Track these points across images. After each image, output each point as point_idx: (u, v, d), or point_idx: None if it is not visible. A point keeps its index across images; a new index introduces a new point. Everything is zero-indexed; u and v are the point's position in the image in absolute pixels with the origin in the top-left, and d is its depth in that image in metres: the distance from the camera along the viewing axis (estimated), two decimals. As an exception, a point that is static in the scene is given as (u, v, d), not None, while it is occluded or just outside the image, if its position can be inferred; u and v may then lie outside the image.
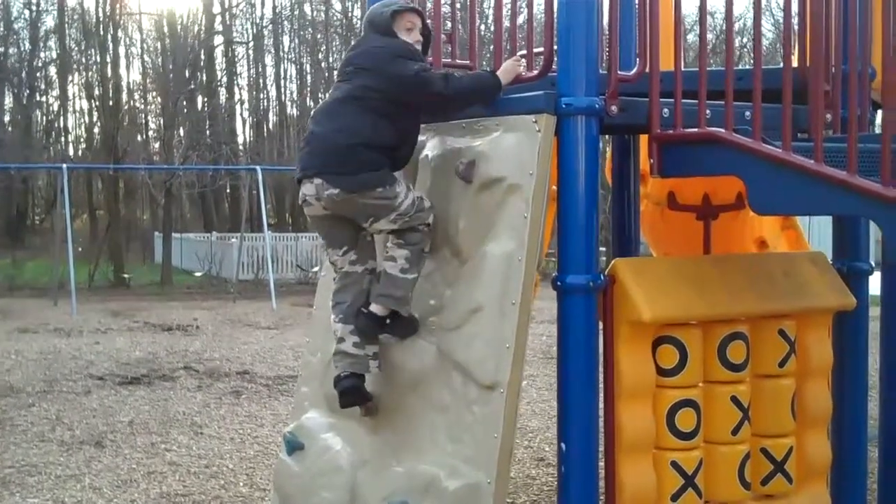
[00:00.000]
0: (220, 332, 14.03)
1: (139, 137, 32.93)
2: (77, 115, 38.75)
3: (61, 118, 37.72)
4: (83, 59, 33.76)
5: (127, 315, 16.42)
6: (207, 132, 30.40)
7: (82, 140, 38.07)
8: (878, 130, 4.06)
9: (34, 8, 35.08)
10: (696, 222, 5.36)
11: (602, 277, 3.76)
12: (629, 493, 3.81)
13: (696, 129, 3.72)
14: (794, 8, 3.93)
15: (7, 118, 35.73)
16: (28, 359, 11.38)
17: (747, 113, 3.72)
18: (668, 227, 5.60)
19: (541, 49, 3.97)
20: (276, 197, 36.62)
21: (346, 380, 4.01)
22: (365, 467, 4.16)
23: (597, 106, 3.68)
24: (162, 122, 30.49)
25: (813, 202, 3.44)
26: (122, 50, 32.85)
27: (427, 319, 4.05)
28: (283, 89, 37.87)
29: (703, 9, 3.79)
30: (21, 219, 37.60)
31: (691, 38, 24.17)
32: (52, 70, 35.86)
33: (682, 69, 3.80)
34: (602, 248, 8.67)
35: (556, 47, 3.81)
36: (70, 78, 35.52)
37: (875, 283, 4.52)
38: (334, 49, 35.19)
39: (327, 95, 4.10)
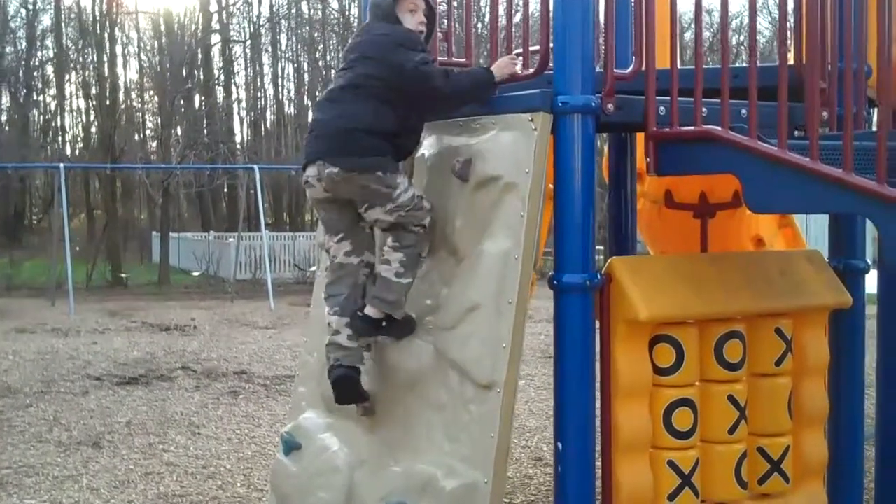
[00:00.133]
0: (217, 332, 14.03)
1: (136, 136, 32.97)
2: (74, 114, 38.79)
3: (58, 117, 37.74)
4: (80, 58, 33.81)
5: (124, 315, 16.42)
6: (205, 131, 30.39)
7: (79, 139, 38.07)
8: (874, 128, 4.06)
9: (31, 7, 35.08)
10: (693, 220, 5.35)
11: (598, 276, 3.75)
12: (626, 492, 3.80)
13: (692, 128, 3.72)
14: (790, 5, 3.93)
15: (4, 117, 35.78)
16: (25, 359, 11.37)
17: (743, 111, 3.71)
18: (665, 225, 5.60)
19: (537, 47, 3.96)
20: (273, 196, 36.63)
21: (338, 369, 3.98)
22: (362, 467, 4.16)
23: (593, 104, 3.68)
24: (159, 121, 30.51)
25: (809, 200, 3.43)
26: (119, 49, 32.89)
27: (424, 319, 4.04)
28: (280, 88, 37.95)
29: (698, 6, 3.78)
30: (18, 218, 37.58)
31: (688, 36, 24.15)
32: (49, 69, 35.88)
33: (679, 67, 3.80)
34: (599, 247, 8.67)
35: (552, 45, 3.81)
36: (67, 77, 35.53)
37: (872, 282, 4.51)
38: (332, 47, 35.19)
39: (331, 82, 4.09)
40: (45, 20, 35.45)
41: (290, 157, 31.73)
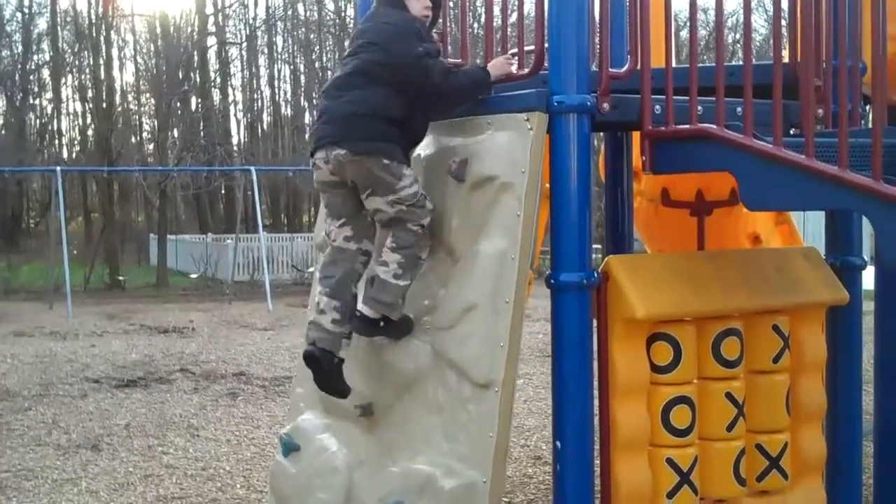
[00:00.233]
0: (216, 334, 14.03)
1: (133, 139, 32.93)
2: (71, 117, 38.79)
3: (55, 121, 37.76)
4: (76, 62, 33.77)
5: (123, 317, 16.42)
6: (201, 133, 30.38)
7: (76, 142, 38.10)
8: (869, 125, 4.06)
9: (27, 10, 35.06)
10: (689, 218, 5.36)
11: (595, 275, 3.76)
12: (625, 490, 3.80)
13: (687, 126, 3.72)
14: (785, 3, 3.94)
15: (0, 121, 35.70)
16: (24, 362, 11.37)
17: (739, 109, 3.72)
18: (661, 223, 5.60)
19: (532, 47, 3.97)
20: (270, 198, 36.64)
21: (312, 348, 3.94)
22: (361, 468, 4.16)
23: (588, 103, 3.68)
24: (156, 123, 30.50)
25: (805, 197, 3.44)
26: (115, 52, 32.87)
27: (421, 319, 4.04)
28: (276, 90, 37.93)
29: (693, 5, 3.79)
30: (16, 222, 37.56)
31: (683, 34, 24.19)
32: (46, 72, 35.84)
33: (674, 66, 3.80)
34: (596, 246, 8.68)
35: (547, 45, 3.81)
36: (63, 80, 35.53)
37: (868, 278, 4.52)
38: (328, 49, 35.19)
39: (337, 69, 4.09)
40: (41, 23, 35.51)
41: (286, 158, 31.71)
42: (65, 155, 36.42)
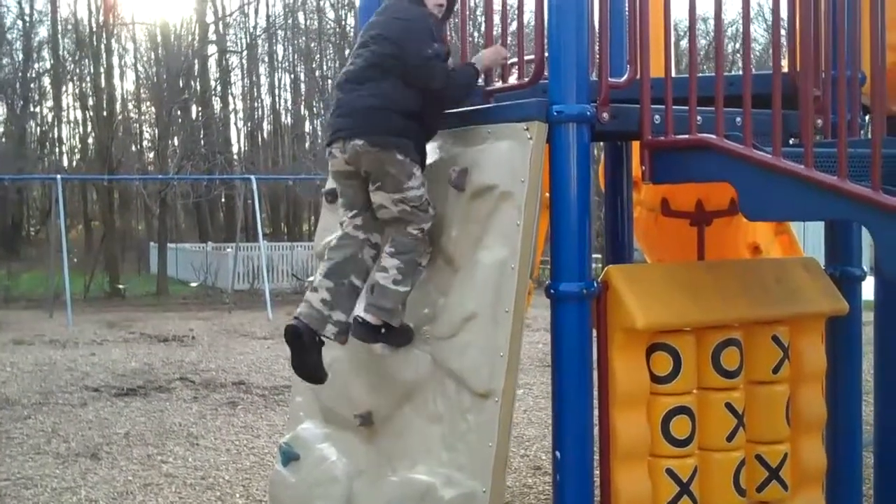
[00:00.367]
0: (215, 343, 14.02)
1: (133, 147, 32.98)
2: (71, 125, 38.83)
3: (55, 129, 37.79)
4: (77, 70, 33.81)
5: (123, 326, 16.41)
6: (202, 142, 30.41)
7: (76, 150, 38.15)
8: (869, 135, 4.07)
9: (27, 19, 35.13)
10: (689, 228, 5.36)
11: (595, 285, 3.75)
12: (624, 500, 3.79)
13: (687, 136, 3.73)
14: (784, 13, 3.94)
15: (1, 129, 35.75)
16: (23, 371, 11.36)
17: (738, 119, 3.72)
18: (661, 233, 5.61)
19: (532, 56, 3.97)
20: (271, 206, 36.67)
21: (294, 321, 3.92)
22: (360, 477, 4.16)
23: (588, 113, 3.69)
24: (156, 131, 30.52)
25: (804, 208, 3.44)
26: (115, 60, 32.92)
27: (421, 328, 4.04)
28: (277, 98, 37.98)
29: (692, 14, 3.79)
30: (16, 230, 37.58)
31: (683, 44, 24.22)
32: (46, 80, 35.89)
33: (673, 75, 3.80)
34: (596, 255, 8.68)
35: (546, 54, 3.82)
36: (64, 88, 35.59)
37: (868, 288, 4.52)
38: (328, 58, 35.26)
39: (348, 60, 4.08)
40: (42, 32, 35.57)
41: (287, 166, 31.77)
42: (65, 163, 36.49)
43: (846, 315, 4.28)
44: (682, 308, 3.85)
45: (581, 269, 3.71)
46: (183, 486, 6.45)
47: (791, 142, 4.11)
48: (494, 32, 4.32)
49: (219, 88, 35.60)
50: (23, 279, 24.89)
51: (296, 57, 37.12)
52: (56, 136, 38.07)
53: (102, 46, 30.33)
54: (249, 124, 37.65)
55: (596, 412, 3.85)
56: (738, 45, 26.86)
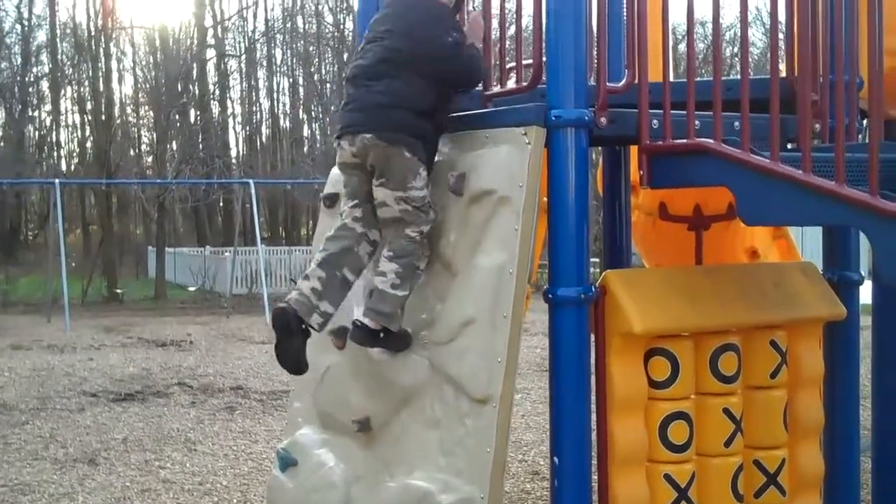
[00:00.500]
0: (213, 348, 14.02)
1: (132, 152, 32.98)
2: (69, 129, 38.85)
3: (53, 133, 37.81)
4: (75, 74, 33.81)
5: (120, 331, 16.41)
6: (200, 146, 30.42)
7: (75, 155, 38.17)
8: (866, 140, 4.07)
9: (26, 23, 35.13)
10: (687, 233, 5.36)
11: (593, 289, 3.75)
12: (623, 506, 3.79)
13: (685, 140, 3.72)
14: (782, 17, 3.94)
15: (-1, 133, 35.78)
16: (21, 376, 11.36)
17: (736, 123, 3.72)
18: (659, 237, 5.60)
19: (530, 61, 3.97)
20: (269, 210, 36.68)
21: (282, 303, 3.89)
22: (358, 483, 4.15)
23: (586, 118, 3.68)
24: (154, 136, 30.53)
25: (802, 212, 3.43)
26: (114, 64, 32.90)
27: (419, 333, 4.03)
28: (275, 102, 37.98)
29: (690, 19, 3.79)
30: (14, 234, 37.57)
31: (681, 48, 24.22)
32: (45, 85, 35.89)
33: (671, 80, 3.80)
34: (594, 259, 8.67)
35: (545, 59, 3.81)
36: (62, 92, 35.60)
37: (866, 292, 4.52)
38: (327, 61, 35.27)
39: (359, 54, 4.03)
40: (41, 36, 35.57)
41: (285, 171, 31.75)
42: (63, 167, 36.55)
43: (844, 320, 4.27)
44: (680, 313, 3.84)
45: (579, 274, 3.70)
46: (181, 492, 6.45)
47: (789, 146, 4.10)
48: (493, 36, 4.32)
49: (217, 92, 35.62)
50: (21, 284, 24.90)
51: (294, 61, 37.13)
52: (54, 140, 38.16)
53: (101, 50, 30.36)
54: (248, 128, 37.67)
55: (594, 417, 3.85)
56: (736, 49, 26.90)
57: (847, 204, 3.22)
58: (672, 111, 3.74)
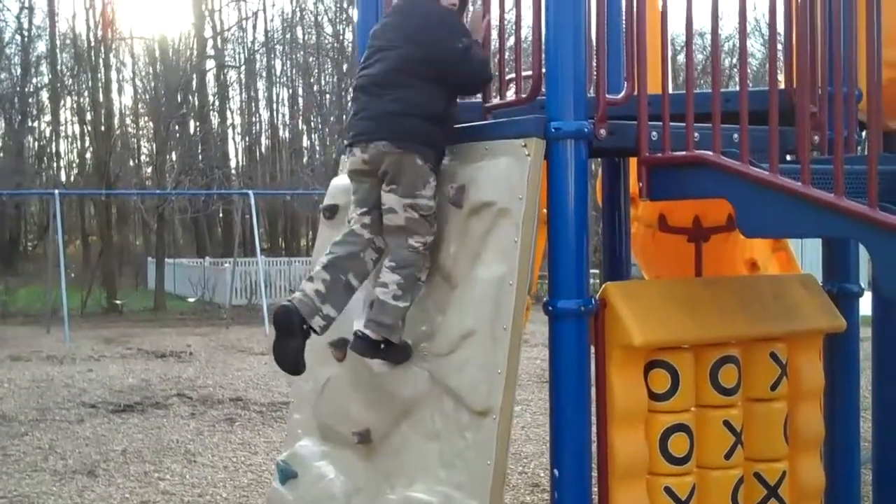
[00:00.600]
0: (213, 359, 14.00)
1: (131, 162, 32.99)
2: (69, 140, 38.87)
3: (53, 143, 37.82)
4: (75, 85, 33.83)
5: (120, 342, 16.39)
6: (199, 156, 30.43)
7: (74, 165, 38.17)
8: (865, 152, 4.07)
9: (26, 34, 35.17)
10: (687, 244, 5.35)
11: (593, 301, 3.75)
12: (623, 518, 3.78)
13: (684, 153, 3.73)
14: (780, 29, 3.95)
15: (-1, 144, 35.79)
16: (20, 387, 11.34)
17: (735, 135, 3.73)
18: (659, 249, 5.60)
19: (529, 73, 3.98)
20: (269, 221, 36.65)
21: (286, 304, 3.88)
22: (359, 495, 4.14)
23: (585, 130, 3.68)
24: (154, 146, 30.53)
25: (801, 224, 3.43)
26: (113, 74, 32.90)
27: (419, 345, 4.03)
28: (275, 113, 37.97)
29: (689, 30, 3.80)
30: (13, 245, 37.55)
31: (680, 59, 24.26)
32: (44, 95, 35.92)
33: (671, 92, 3.81)
34: (594, 270, 8.67)
35: (544, 71, 3.82)
36: (62, 103, 35.60)
37: (866, 304, 4.52)
38: (326, 72, 35.30)
39: (366, 62, 4.03)
40: (41, 47, 35.61)
41: (285, 181, 31.76)
42: (63, 178, 36.52)
43: (844, 332, 4.27)
44: (680, 325, 3.84)
45: (579, 286, 3.70)
46: (180, 504, 6.44)
47: (788, 158, 4.11)
48: (492, 47, 4.33)
49: (217, 103, 35.63)
50: (20, 294, 24.87)
51: (294, 72, 37.16)
52: (54, 150, 38.17)
53: (101, 61, 30.36)
54: (247, 139, 37.67)
55: (594, 429, 3.84)
56: (735, 60, 26.94)
57: (846, 216, 3.22)
58: (671, 123, 3.75)
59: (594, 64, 3.86)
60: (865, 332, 4.48)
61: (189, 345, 15.70)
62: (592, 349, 3.81)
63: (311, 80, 35.46)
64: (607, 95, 3.77)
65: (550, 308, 3.72)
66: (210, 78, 34.69)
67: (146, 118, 33.28)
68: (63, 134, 38.26)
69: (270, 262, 26.30)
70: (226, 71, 35.87)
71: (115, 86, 33.52)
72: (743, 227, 3.61)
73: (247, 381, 11.75)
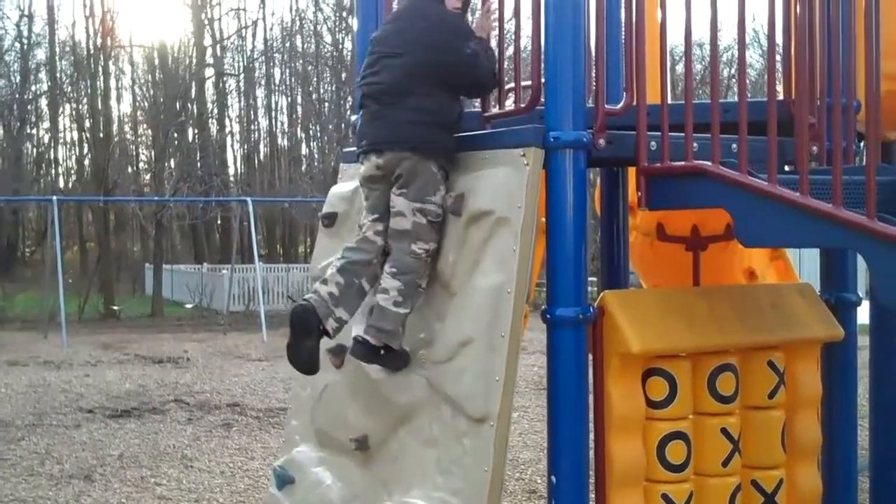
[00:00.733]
0: (210, 365, 14.00)
1: (130, 169, 32.98)
2: (68, 147, 38.85)
3: (52, 150, 37.79)
4: (74, 92, 33.84)
5: (117, 347, 16.38)
6: (198, 164, 30.42)
7: (73, 172, 38.16)
8: (863, 162, 4.09)
9: (25, 41, 35.19)
10: (685, 253, 5.36)
11: (591, 310, 3.76)
12: (620, 526, 3.79)
13: (682, 163, 3.74)
14: (779, 40, 3.97)
15: (-3, 150, 35.78)
16: (17, 392, 11.33)
17: (734, 145, 3.74)
18: (657, 258, 5.61)
19: (528, 82, 3.99)
20: (266, 228, 36.60)
21: (302, 304, 3.88)
22: (355, 502, 4.14)
23: (584, 139, 3.70)
24: (153, 154, 30.54)
25: (799, 234, 3.45)
26: (112, 82, 32.89)
27: (417, 352, 4.04)
28: (274, 121, 37.96)
29: (688, 42, 3.81)
30: (11, 251, 37.53)
31: (681, 68, 24.30)
32: (43, 102, 35.93)
33: (669, 102, 3.82)
34: (592, 279, 8.68)
35: (543, 80, 3.84)
36: (61, 110, 35.60)
37: (864, 313, 4.53)
38: (325, 81, 35.31)
39: (371, 69, 4.04)
40: (40, 54, 35.62)
41: (283, 189, 31.78)
42: (61, 184, 36.48)
43: (842, 340, 4.28)
44: (678, 333, 3.85)
45: (577, 295, 3.72)
46: (177, 510, 6.44)
47: (786, 169, 4.13)
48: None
49: (216, 111, 35.64)
50: (18, 300, 24.86)
51: (293, 80, 37.18)
52: (52, 157, 38.14)
53: (100, 69, 30.38)
54: (246, 147, 37.63)
55: (592, 437, 3.85)
56: (733, 71, 26.99)
57: (844, 226, 3.24)
58: (670, 133, 3.77)
59: (593, 74, 3.88)
60: (863, 341, 4.49)
61: (186, 351, 15.69)
62: (590, 357, 3.83)
63: (310, 89, 35.46)
64: (606, 105, 3.78)
65: (549, 316, 3.73)
66: (209, 86, 34.72)
67: (145, 125, 33.30)
68: (62, 141, 38.28)
69: (268, 268, 26.31)
70: (225, 79, 35.88)
71: (114, 93, 33.56)
72: (741, 237, 3.62)
73: (244, 386, 11.75)
